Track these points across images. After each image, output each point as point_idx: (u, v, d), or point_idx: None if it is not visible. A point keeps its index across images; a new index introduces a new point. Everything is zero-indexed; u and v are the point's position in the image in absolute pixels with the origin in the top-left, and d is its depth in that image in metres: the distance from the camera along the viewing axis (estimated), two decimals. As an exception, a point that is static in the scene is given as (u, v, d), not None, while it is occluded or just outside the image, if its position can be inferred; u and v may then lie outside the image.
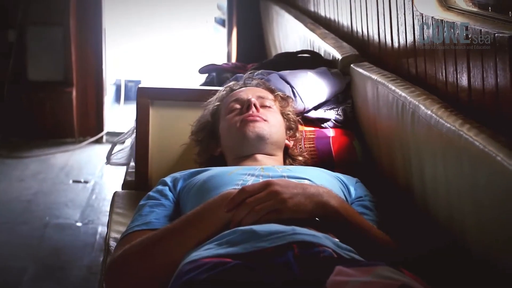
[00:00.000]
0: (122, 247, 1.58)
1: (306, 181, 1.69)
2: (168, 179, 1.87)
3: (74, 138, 5.09)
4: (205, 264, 1.31)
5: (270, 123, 2.00)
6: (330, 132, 2.27)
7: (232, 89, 2.16)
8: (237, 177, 1.75)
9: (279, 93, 2.17)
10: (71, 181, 4.32)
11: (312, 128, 2.30)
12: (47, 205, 3.92)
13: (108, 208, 2.47)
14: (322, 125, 2.33)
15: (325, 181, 1.75)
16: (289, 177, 1.73)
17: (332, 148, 2.20)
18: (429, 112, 1.65)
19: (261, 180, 1.66)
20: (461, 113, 1.58)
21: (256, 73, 2.38)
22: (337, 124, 2.33)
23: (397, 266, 1.30)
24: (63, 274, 3.16)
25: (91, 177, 4.40)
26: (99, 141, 5.13)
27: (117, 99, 6.16)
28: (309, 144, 2.21)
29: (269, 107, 2.06)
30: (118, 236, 1.96)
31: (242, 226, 1.46)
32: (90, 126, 5.16)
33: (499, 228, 1.32)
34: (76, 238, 3.53)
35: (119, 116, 5.63)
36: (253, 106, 1.99)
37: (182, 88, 2.45)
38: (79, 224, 3.68)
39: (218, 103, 2.14)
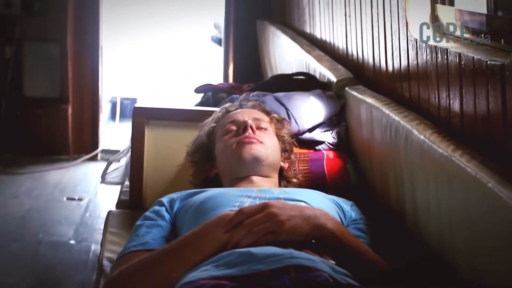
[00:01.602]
0: (119, 268, 1.59)
1: (302, 203, 1.71)
2: (165, 200, 1.88)
3: (69, 155, 5.10)
4: (201, 286, 1.33)
5: (266, 145, 2.01)
6: (324, 154, 2.29)
7: (228, 111, 2.17)
8: (234, 198, 1.76)
9: (274, 115, 2.19)
10: (65, 199, 4.32)
11: (306, 150, 2.32)
12: (41, 222, 3.92)
13: (102, 226, 2.47)
14: (316, 147, 2.34)
15: (321, 204, 1.77)
16: (285, 199, 1.75)
17: (326, 170, 2.22)
18: (422, 137, 1.68)
19: (258, 202, 1.68)
20: (454, 138, 1.60)
21: (251, 95, 2.40)
22: (331, 147, 2.35)
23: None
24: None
25: (85, 194, 4.40)
26: (94, 158, 5.13)
27: (113, 116, 6.17)
28: (303, 166, 2.23)
29: (265, 129, 2.07)
30: (112, 255, 1.97)
31: (240, 247, 1.47)
32: (85, 143, 5.17)
33: (490, 254, 1.33)
34: (69, 255, 3.53)
35: (114, 134, 5.64)
36: (249, 128, 2.01)
37: (177, 108, 2.47)
38: (72, 242, 3.68)
39: (214, 124, 2.15)
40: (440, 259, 1.58)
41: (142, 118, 2.37)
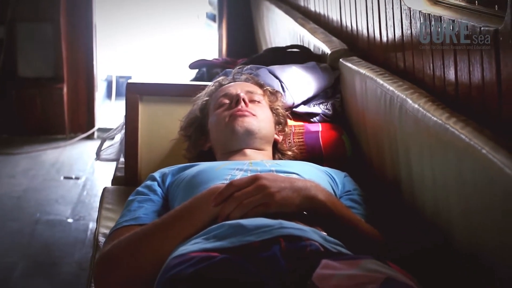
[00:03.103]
0: (111, 243, 1.58)
1: (294, 176, 1.70)
2: (157, 174, 1.88)
3: (65, 135, 5.08)
4: (192, 258, 1.32)
5: (259, 118, 2.00)
6: (319, 127, 2.27)
7: (221, 84, 2.16)
8: (225, 171, 1.75)
9: (268, 87, 2.18)
10: (62, 178, 4.31)
11: (301, 123, 2.30)
12: (37, 201, 3.91)
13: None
14: (311, 119, 2.33)
15: (313, 175, 1.76)
16: (277, 171, 1.74)
17: (321, 142, 2.21)
18: (416, 105, 1.66)
19: (249, 174, 1.67)
20: (448, 106, 1.59)
21: (245, 68, 2.38)
22: (326, 119, 2.33)
23: (383, 259, 1.31)
24: (54, 270, 3.15)
25: (82, 173, 4.39)
26: (90, 137, 5.12)
27: (109, 95, 6.15)
28: (298, 138, 2.22)
29: (258, 102, 2.06)
30: (107, 231, 1.96)
31: (230, 220, 1.46)
32: (81, 123, 5.15)
33: (483, 219, 1.33)
34: (67, 234, 3.52)
35: (110, 112, 5.62)
36: (242, 101, 1.99)
37: (171, 83, 2.45)
38: (70, 220, 3.68)
39: (207, 98, 2.14)
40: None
41: (136, 94, 2.35)
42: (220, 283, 1.21)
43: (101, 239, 1.95)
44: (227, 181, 1.60)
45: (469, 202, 1.39)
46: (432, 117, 1.55)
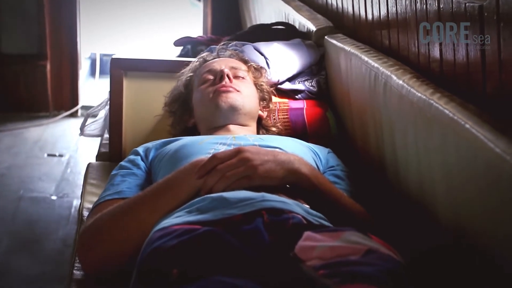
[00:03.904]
0: (94, 216, 1.58)
1: (277, 150, 1.70)
2: (140, 149, 1.87)
3: (48, 112, 5.05)
4: (175, 231, 1.32)
5: (243, 94, 2.00)
6: (304, 104, 2.28)
7: (205, 60, 2.15)
8: (208, 146, 1.75)
9: (252, 63, 2.17)
10: (45, 155, 4.29)
11: (286, 100, 2.30)
12: (21, 178, 3.89)
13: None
14: (296, 96, 2.33)
15: (296, 150, 1.76)
16: (260, 146, 1.74)
17: (305, 119, 2.21)
18: (400, 82, 1.66)
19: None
20: (432, 82, 1.59)
21: (230, 45, 2.37)
22: (311, 96, 2.33)
23: (364, 231, 1.32)
24: (38, 247, 3.15)
25: (66, 151, 4.37)
26: (73, 115, 5.09)
27: (92, 73, 6.11)
28: (282, 115, 2.22)
29: (242, 77, 2.06)
30: (91, 206, 1.96)
31: (213, 193, 1.46)
32: (65, 100, 5.11)
33: (466, 193, 1.33)
34: (51, 211, 3.52)
35: (94, 90, 5.58)
36: (226, 76, 1.99)
37: (156, 59, 2.44)
38: (54, 197, 3.67)
39: (191, 74, 2.13)
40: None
41: (120, 70, 2.34)
42: (202, 255, 1.21)
43: (86, 213, 1.94)
44: (210, 155, 1.60)
45: (453, 176, 1.39)
46: (417, 93, 1.55)
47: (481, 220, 1.31)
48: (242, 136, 1.86)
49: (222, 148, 1.72)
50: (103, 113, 2.55)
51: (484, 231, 1.29)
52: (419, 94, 1.54)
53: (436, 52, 1.66)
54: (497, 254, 1.24)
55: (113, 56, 2.41)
